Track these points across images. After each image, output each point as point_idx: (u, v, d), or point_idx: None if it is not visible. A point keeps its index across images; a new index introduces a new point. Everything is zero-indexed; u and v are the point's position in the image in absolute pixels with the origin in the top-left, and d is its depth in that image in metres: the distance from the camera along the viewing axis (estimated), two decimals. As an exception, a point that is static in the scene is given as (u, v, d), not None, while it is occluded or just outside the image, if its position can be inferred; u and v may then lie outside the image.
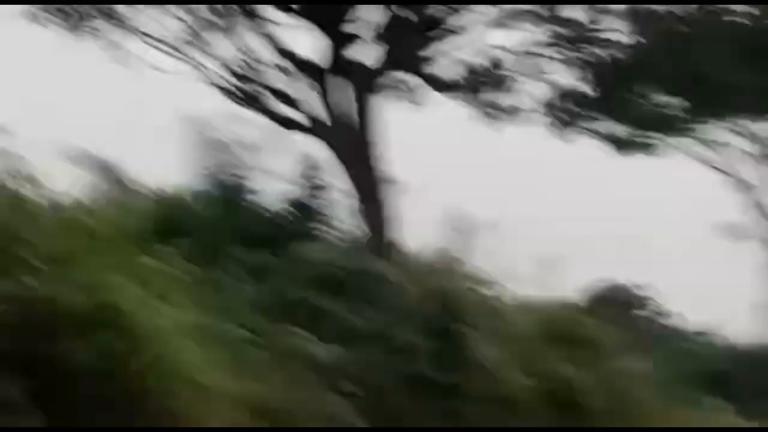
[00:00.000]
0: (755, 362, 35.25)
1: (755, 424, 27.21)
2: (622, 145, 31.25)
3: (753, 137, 36.82)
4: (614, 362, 23.64)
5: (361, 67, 24.78)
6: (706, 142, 36.56)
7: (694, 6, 25.43)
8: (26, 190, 11.42)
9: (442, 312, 18.46)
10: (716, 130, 35.80)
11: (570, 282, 32.51)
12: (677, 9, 25.42)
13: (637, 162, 34.22)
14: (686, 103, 31.44)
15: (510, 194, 38.02)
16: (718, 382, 30.96)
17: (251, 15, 24.45)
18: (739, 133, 36.54)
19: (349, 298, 17.87)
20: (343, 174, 24.10)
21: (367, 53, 24.85)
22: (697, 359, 34.14)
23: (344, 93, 24.63)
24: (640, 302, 39.30)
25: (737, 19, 25.90)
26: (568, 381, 21.07)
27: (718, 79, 27.52)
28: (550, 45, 26.05)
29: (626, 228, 44.80)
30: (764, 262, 38.73)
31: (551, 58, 26.49)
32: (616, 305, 32.76)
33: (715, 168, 37.63)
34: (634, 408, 22.71)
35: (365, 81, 24.62)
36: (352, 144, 24.41)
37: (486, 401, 18.52)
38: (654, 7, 25.46)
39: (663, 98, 30.91)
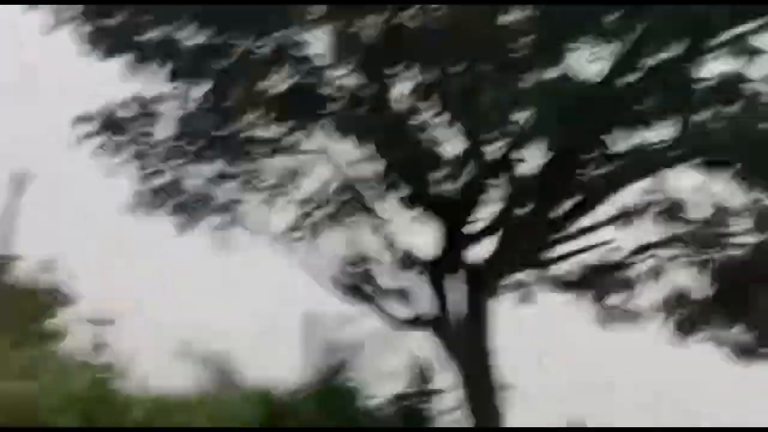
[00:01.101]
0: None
1: None
2: (746, 352, 30.80)
3: None
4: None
5: (478, 266, 24.78)
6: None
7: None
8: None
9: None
10: None
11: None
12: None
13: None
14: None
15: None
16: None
17: (368, 209, 24.78)
18: None
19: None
20: (454, 374, 23.99)
21: (486, 252, 24.89)
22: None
23: (460, 292, 24.59)
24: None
25: None
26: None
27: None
28: (670, 244, 25.91)
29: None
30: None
31: (671, 259, 26.34)
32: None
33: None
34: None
35: (482, 280, 24.60)
36: (465, 343, 24.32)
37: None
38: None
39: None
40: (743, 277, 26.08)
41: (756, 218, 25.24)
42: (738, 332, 29.97)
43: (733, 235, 25.52)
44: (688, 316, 27.75)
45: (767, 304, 29.13)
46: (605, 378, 40.39)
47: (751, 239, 25.70)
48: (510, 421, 23.60)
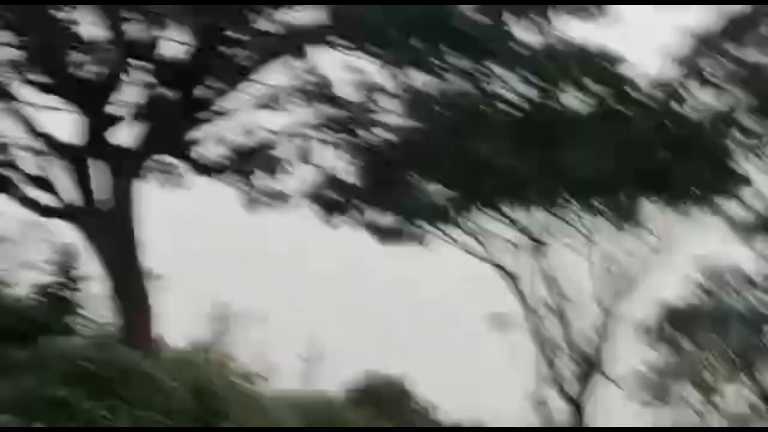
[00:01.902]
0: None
1: None
2: (389, 234, 31.98)
3: (518, 226, 38.12)
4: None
5: (122, 150, 24.38)
6: (474, 232, 37.77)
7: (470, 94, 26.13)
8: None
9: (201, 408, 18.42)
10: (484, 219, 37.13)
11: (335, 376, 33.13)
12: (453, 96, 26.07)
13: (406, 251, 35.17)
14: (456, 192, 32.52)
15: (276, 285, 38.29)
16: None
17: (5, 95, 23.90)
18: (505, 222, 37.89)
19: (105, 394, 17.61)
20: (100, 263, 23.68)
21: (129, 135, 24.50)
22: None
23: (104, 177, 24.13)
24: (407, 396, 39.89)
25: (511, 109, 26.85)
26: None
27: (487, 167, 28.57)
28: (320, 127, 26.21)
29: (395, 319, 45.67)
30: (533, 351, 40.08)
31: (321, 141, 26.65)
32: (383, 399, 33.18)
33: (483, 258, 38.76)
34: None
35: (126, 164, 24.24)
36: (109, 231, 23.98)
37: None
38: (430, 92, 26.02)
39: (433, 186, 31.85)
40: (393, 161, 26.92)
41: (407, 102, 25.93)
42: (385, 214, 31.09)
43: (382, 118, 26.14)
44: (336, 199, 28.42)
45: (414, 187, 30.29)
46: (264, 265, 41.14)
47: (401, 122, 26.42)
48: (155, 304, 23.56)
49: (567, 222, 37.69)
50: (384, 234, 31.37)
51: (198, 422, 18.01)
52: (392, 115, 26.51)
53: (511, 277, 38.66)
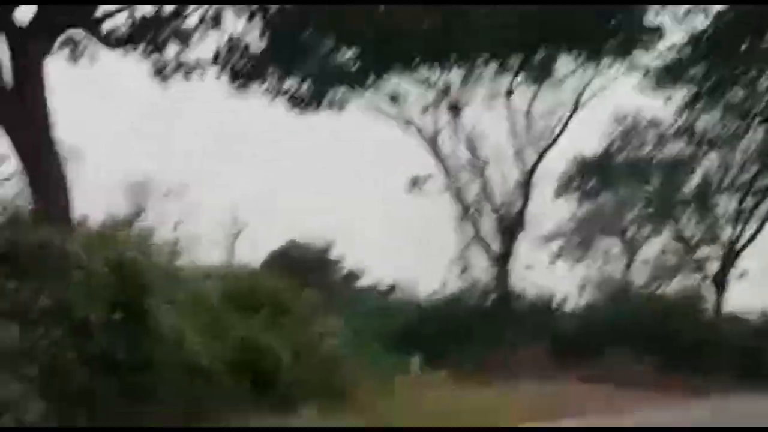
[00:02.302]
0: (443, 316, 36.84)
1: (443, 375, 28.60)
2: (301, 101, 31.71)
3: (432, 86, 37.93)
4: (306, 324, 24.20)
5: (27, 29, 23.77)
6: (388, 95, 37.59)
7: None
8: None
9: (123, 284, 18.23)
10: (397, 82, 36.89)
11: (257, 245, 33.11)
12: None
13: (321, 118, 34.97)
14: (366, 55, 32.19)
15: (194, 158, 38.03)
16: (410, 337, 32.20)
17: None
18: (419, 83, 37.70)
19: (22, 273, 17.38)
20: (11, 143, 23.25)
21: (31, 10, 23.83)
22: (388, 317, 35.33)
23: (5, 54, 23.54)
24: (331, 262, 40.06)
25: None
26: (259, 347, 21.41)
27: (396, 28, 28.27)
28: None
29: (314, 187, 45.68)
30: (455, 215, 40.36)
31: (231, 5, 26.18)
32: (305, 266, 33.28)
33: (399, 121, 38.64)
34: (328, 370, 23.37)
35: (28, 40, 23.65)
36: (13, 108, 23.46)
37: (176, 373, 18.53)
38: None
39: (342, 50, 31.51)
40: (299, 25, 26.58)
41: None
42: (293, 83, 30.71)
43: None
44: (248, 66, 28.02)
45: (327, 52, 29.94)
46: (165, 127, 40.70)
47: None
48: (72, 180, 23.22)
49: (484, 81, 37.69)
50: (299, 101, 31.09)
51: (119, 297, 17.81)
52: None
53: (430, 138, 38.72)
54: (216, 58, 26.54)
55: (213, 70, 27.29)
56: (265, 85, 28.79)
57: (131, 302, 18.11)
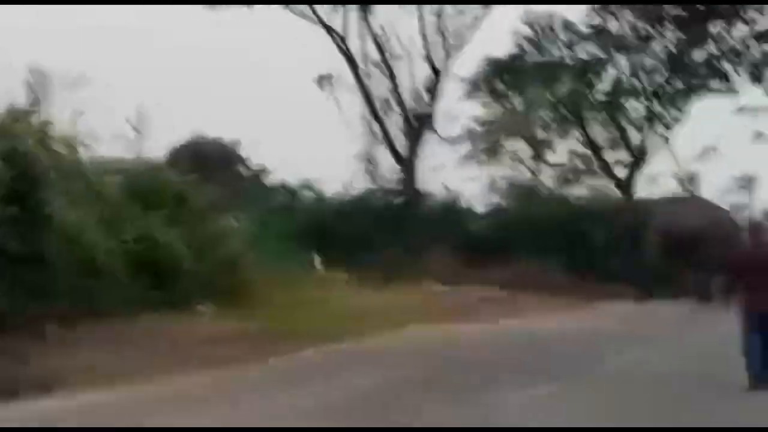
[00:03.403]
0: (348, 216, 36.87)
1: (346, 275, 28.79)
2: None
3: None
4: (207, 221, 24.13)
5: None
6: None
7: None
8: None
9: (18, 176, 17.94)
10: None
11: (162, 141, 32.80)
12: None
13: (227, 13, 34.57)
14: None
15: (91, 47, 37.40)
16: (315, 237, 32.25)
17: None
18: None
19: None
20: None
21: None
22: (293, 215, 35.34)
23: None
24: (237, 158, 39.64)
25: None
26: (159, 243, 21.32)
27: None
28: None
29: (219, 81, 45.27)
30: (360, 112, 40.12)
31: None
32: (210, 162, 32.93)
33: (308, 18, 38.19)
34: (228, 267, 23.37)
35: None
36: None
37: (71, 270, 18.40)
38: None
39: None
40: None
41: None
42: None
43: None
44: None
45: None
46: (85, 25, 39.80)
47: None
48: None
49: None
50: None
51: (14, 189, 17.55)
52: None
53: (339, 36, 38.47)
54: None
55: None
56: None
57: (26, 195, 17.86)
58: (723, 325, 16.50)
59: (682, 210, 40.14)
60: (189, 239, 22.45)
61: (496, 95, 45.71)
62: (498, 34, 42.22)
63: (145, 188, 22.91)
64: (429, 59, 39.30)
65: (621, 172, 44.31)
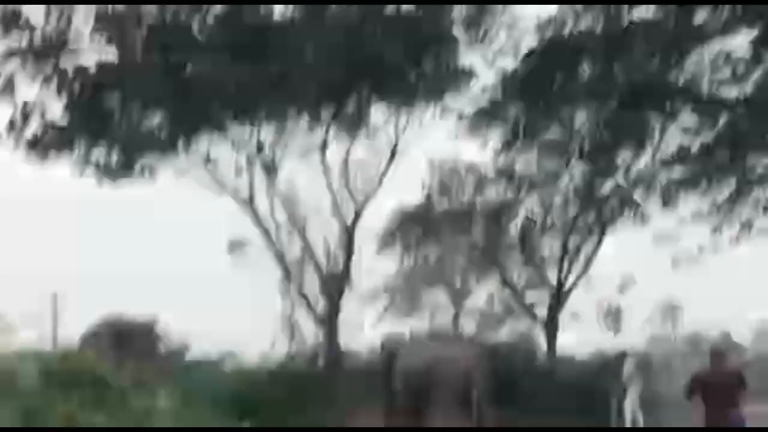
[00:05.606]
0: (274, 381, 36.20)
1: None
2: (110, 171, 30.88)
3: (247, 146, 37.26)
4: (130, 400, 23.43)
5: None
6: (199, 159, 36.71)
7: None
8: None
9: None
10: (211, 142, 36.16)
11: (76, 322, 32.00)
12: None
13: (135, 189, 34.07)
14: (172, 117, 31.60)
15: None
16: (244, 405, 31.50)
17: None
18: (234, 143, 36.97)
19: None
20: None
21: None
22: (219, 386, 34.55)
23: None
24: (154, 335, 38.79)
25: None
26: (80, 425, 20.65)
27: (204, 87, 27.89)
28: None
29: (133, 258, 44.71)
30: (277, 274, 39.68)
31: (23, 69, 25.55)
32: (128, 341, 32.19)
33: (215, 184, 37.78)
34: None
35: None
36: None
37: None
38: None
39: (150, 114, 30.89)
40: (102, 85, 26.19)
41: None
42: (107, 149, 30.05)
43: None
44: (42, 137, 27.38)
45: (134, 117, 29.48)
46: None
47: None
48: None
49: (297, 136, 37.44)
50: (109, 171, 30.33)
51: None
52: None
53: (246, 200, 38.17)
54: (11, 125, 25.91)
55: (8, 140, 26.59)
56: (71, 155, 28.12)
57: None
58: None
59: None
60: (111, 419, 21.76)
61: (409, 246, 45.64)
62: (407, 182, 42.23)
63: (63, 371, 22.26)
64: (339, 215, 39.02)
65: (541, 312, 44.05)
